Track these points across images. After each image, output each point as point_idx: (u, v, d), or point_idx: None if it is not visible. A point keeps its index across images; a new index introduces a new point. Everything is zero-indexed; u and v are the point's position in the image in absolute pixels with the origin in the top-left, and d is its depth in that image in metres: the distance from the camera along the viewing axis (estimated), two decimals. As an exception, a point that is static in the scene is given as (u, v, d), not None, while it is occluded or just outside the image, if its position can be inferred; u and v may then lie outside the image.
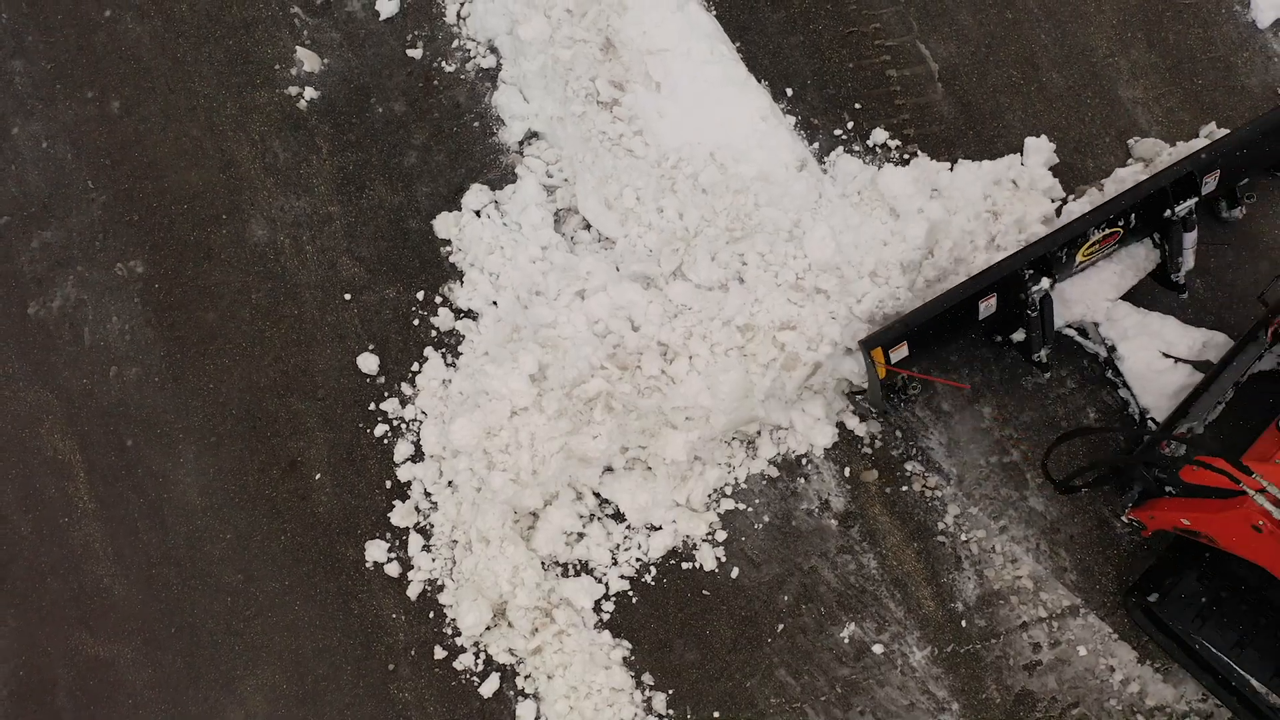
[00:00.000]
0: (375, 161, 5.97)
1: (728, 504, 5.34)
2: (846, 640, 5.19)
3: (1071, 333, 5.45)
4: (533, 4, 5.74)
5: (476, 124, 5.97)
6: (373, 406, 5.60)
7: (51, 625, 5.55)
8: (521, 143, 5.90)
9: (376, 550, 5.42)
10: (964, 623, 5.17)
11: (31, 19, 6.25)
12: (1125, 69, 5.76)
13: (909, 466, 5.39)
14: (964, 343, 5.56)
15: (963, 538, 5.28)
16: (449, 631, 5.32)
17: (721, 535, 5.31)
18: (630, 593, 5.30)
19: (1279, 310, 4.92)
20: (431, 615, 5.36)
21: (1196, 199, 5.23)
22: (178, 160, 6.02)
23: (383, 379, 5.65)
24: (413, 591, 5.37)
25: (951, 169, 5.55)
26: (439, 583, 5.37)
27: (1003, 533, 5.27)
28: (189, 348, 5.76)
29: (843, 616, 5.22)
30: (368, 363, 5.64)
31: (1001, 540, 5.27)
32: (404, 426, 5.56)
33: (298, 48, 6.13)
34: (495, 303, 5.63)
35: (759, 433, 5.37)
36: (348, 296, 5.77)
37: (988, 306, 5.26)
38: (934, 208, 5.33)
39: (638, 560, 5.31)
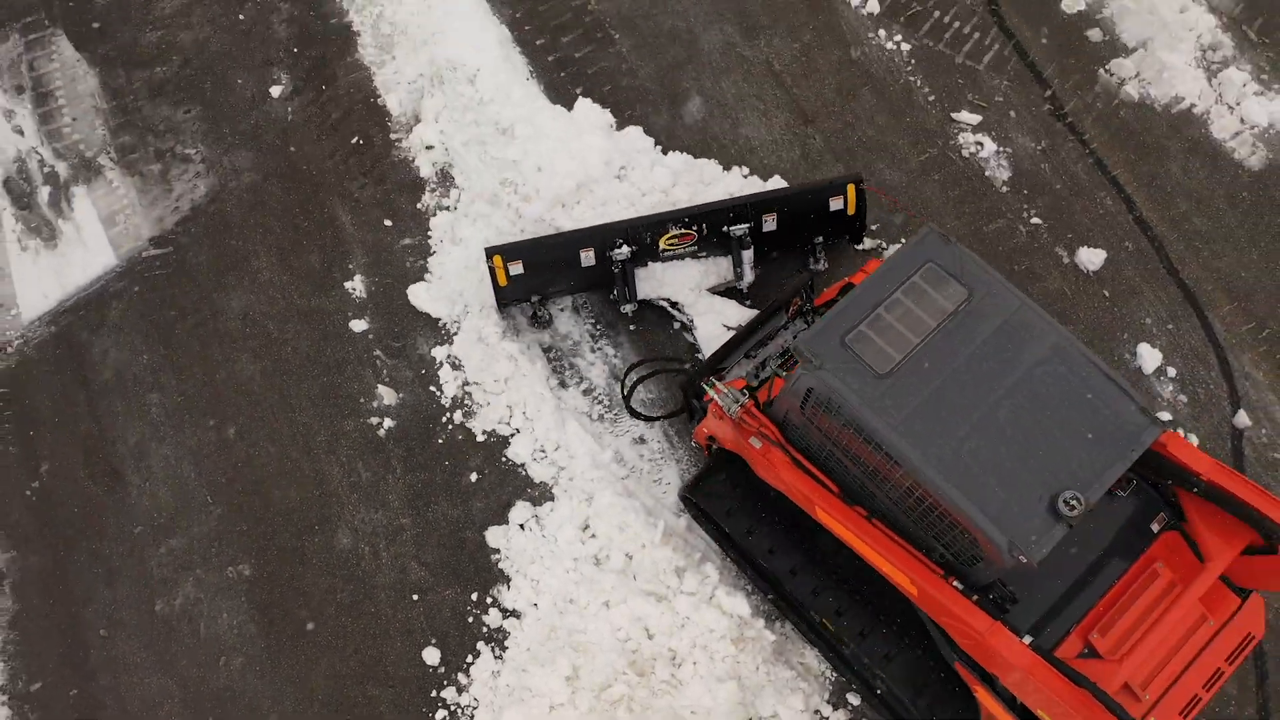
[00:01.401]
0: (439, 481, 7.33)
1: (727, 785, 6.45)
2: None
3: (665, 304, 7.64)
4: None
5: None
6: (435, 694, 6.80)
7: None
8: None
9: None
10: None
11: (167, 360, 7.78)
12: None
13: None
14: (576, 282, 7.55)
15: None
16: None
17: (721, 813, 6.40)
18: None
19: (795, 294, 6.58)
20: None
21: (749, 224, 7.38)
22: (280, 479, 7.41)
23: (443, 669, 6.85)
24: None
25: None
26: None
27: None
28: (284, 641, 7.01)
29: None
30: (431, 655, 6.86)
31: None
32: (460, 712, 6.73)
33: (379, 385, 7.59)
34: (536, 604, 6.89)
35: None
36: (415, 597, 7.04)
37: (588, 257, 7.34)
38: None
39: (652, 834, 6.39)
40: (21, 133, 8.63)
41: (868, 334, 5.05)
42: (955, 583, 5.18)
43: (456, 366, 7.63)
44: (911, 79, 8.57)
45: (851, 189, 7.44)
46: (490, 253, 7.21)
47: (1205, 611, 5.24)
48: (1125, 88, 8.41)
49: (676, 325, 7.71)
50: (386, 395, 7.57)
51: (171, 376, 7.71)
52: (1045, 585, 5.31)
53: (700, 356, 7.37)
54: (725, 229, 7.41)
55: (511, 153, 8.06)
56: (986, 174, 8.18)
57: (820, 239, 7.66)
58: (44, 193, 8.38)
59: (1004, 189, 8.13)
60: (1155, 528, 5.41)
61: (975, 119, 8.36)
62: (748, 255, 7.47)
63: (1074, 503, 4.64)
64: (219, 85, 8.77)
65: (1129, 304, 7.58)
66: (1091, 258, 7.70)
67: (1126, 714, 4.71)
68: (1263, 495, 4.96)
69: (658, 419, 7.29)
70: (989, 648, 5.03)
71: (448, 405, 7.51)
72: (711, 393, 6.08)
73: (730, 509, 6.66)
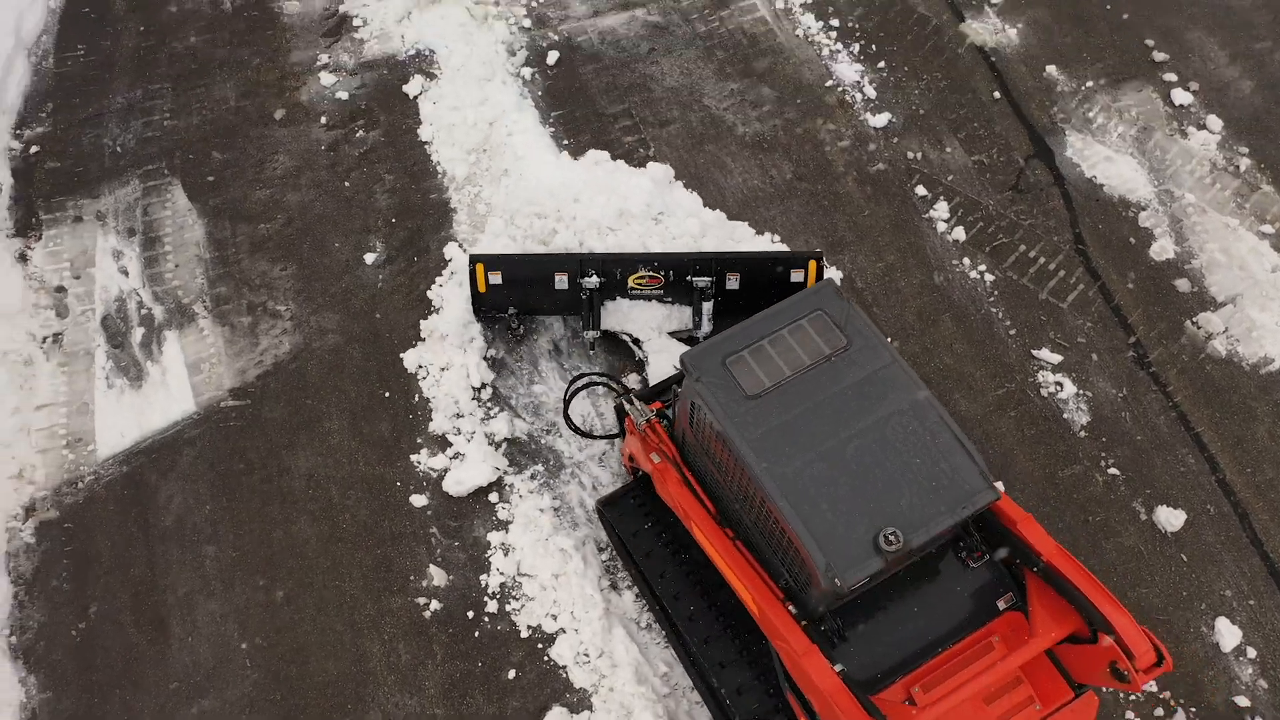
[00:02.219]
0: (478, 673, 7.18)
1: None
2: None
3: (626, 338, 8.25)
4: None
5: (566, 653, 7.23)
6: None
7: None
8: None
9: None
10: None
11: (228, 512, 7.84)
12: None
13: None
14: (549, 303, 8.17)
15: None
16: None
17: None
18: None
19: None
20: None
21: (712, 279, 7.94)
22: (320, 649, 7.32)
23: None
24: None
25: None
26: None
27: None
28: (301, 826, 6.80)
29: None
30: None
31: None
32: None
33: (430, 565, 7.55)
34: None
35: None
36: (439, 795, 6.82)
37: (561, 280, 8.01)
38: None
39: None
40: (126, 274, 8.99)
41: (747, 359, 5.58)
42: (791, 607, 5.55)
43: (508, 554, 7.56)
44: (993, 310, 8.59)
45: (813, 264, 7.98)
46: (473, 260, 8.01)
47: (1034, 694, 5.49)
48: (1212, 342, 8.33)
49: (636, 359, 8.30)
50: (437, 576, 7.51)
51: (230, 530, 7.74)
52: (884, 637, 5.60)
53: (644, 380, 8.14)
54: (690, 279, 8.00)
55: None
56: (1065, 416, 8.07)
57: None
58: (138, 334, 8.66)
59: (1082, 434, 8.00)
60: (1001, 605, 5.68)
61: (1056, 358, 8.31)
62: (707, 307, 8.03)
63: (893, 539, 4.98)
64: (316, 246, 9.09)
65: (1208, 572, 7.31)
66: (1170, 518, 7.48)
67: None
68: (1093, 584, 5.26)
69: (597, 438, 7.81)
70: (803, 670, 5.34)
71: (496, 594, 7.42)
72: (628, 408, 6.72)
73: (637, 530, 7.06)
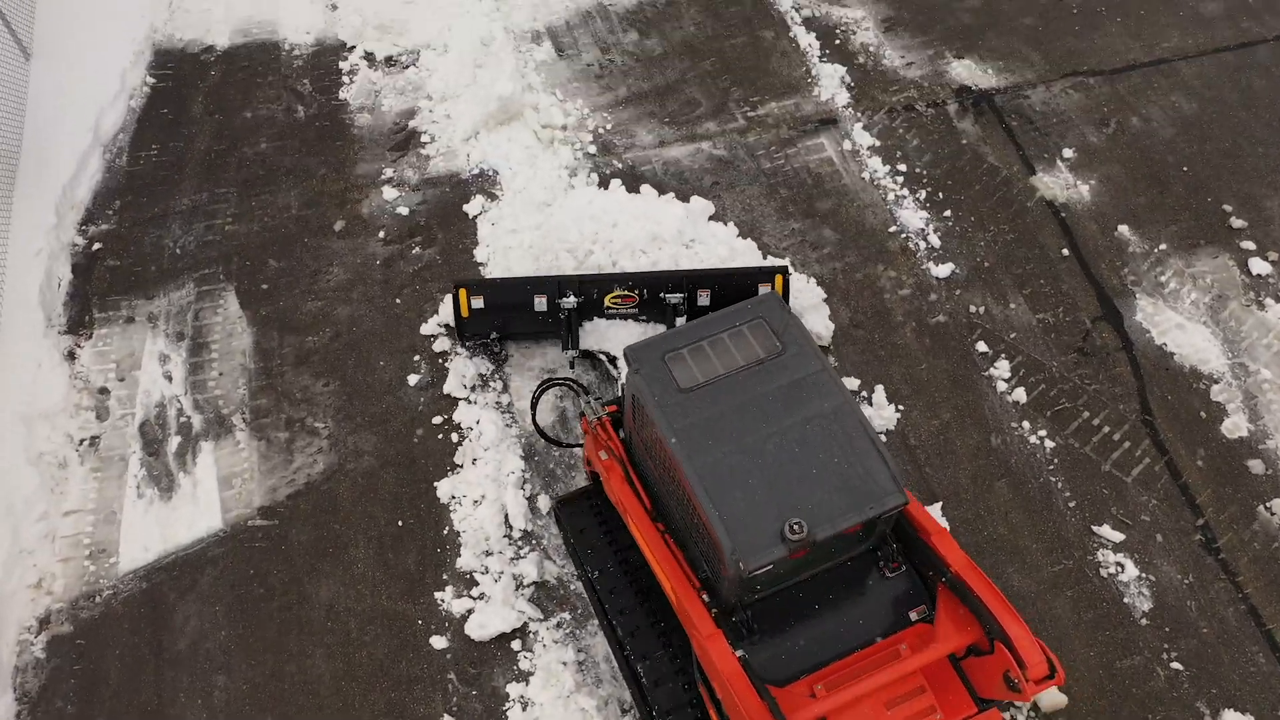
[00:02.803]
0: (484, 839, 6.78)
1: None
2: None
3: (602, 356, 8.57)
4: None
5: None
6: None
7: None
8: None
9: None
10: None
11: (243, 640, 7.60)
12: None
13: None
14: (530, 326, 8.57)
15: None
16: None
17: None
18: None
19: None
20: None
21: (684, 295, 8.33)
22: (322, 797, 6.98)
23: None
24: None
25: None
26: None
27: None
28: None
29: None
30: None
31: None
32: None
33: (445, 714, 7.21)
34: None
35: None
36: None
37: (540, 303, 8.40)
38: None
39: None
40: (170, 379, 8.96)
41: (685, 356, 5.92)
42: (705, 597, 5.82)
43: (526, 709, 7.20)
44: (1053, 479, 8.19)
45: (780, 278, 8.43)
46: (456, 286, 8.47)
47: (936, 705, 5.60)
48: (1288, 533, 7.84)
49: (611, 377, 8.56)
50: (451, 727, 7.17)
51: (242, 660, 7.50)
52: (795, 637, 5.80)
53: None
54: (663, 296, 8.38)
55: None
56: (1125, 600, 7.59)
57: None
58: (174, 442, 8.58)
59: (1143, 621, 7.50)
60: (913, 616, 5.86)
61: (1118, 536, 7.86)
62: (680, 323, 8.31)
63: (796, 529, 5.24)
64: (361, 363, 9.00)
65: (1278, 795, 6.71)
66: (1239, 728, 6.93)
67: None
68: (995, 595, 5.45)
69: (566, 445, 7.98)
70: (707, 654, 5.58)
71: (510, 752, 7.06)
72: (582, 405, 7.15)
73: (585, 527, 7.37)
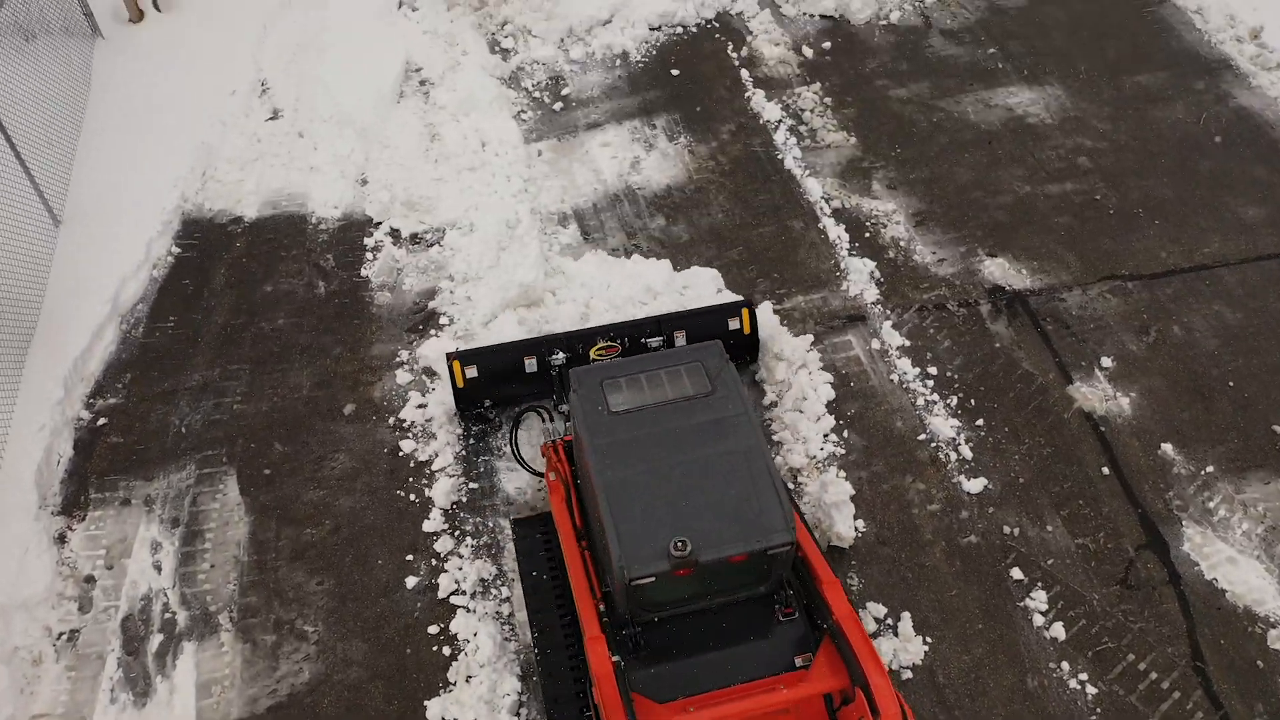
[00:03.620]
0: None
1: None
2: None
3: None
4: None
5: None
6: None
7: None
8: None
9: None
10: None
11: None
12: None
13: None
14: (522, 387, 9.00)
15: None
16: None
17: None
18: None
19: None
20: None
21: (663, 338, 8.98)
22: None
23: None
24: None
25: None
26: None
27: None
28: None
29: None
30: None
31: None
32: None
33: None
34: None
35: None
36: None
37: (531, 364, 8.86)
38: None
39: None
40: (159, 569, 8.57)
41: (621, 384, 6.59)
42: (602, 607, 6.37)
43: None
44: (1095, 731, 7.49)
45: (745, 312, 9.29)
46: (450, 357, 8.94)
47: None
48: (1360, 812, 7.04)
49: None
50: None
51: None
52: (680, 662, 6.26)
53: None
54: (644, 341, 8.93)
55: None
56: None
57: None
58: (155, 641, 8.13)
59: None
60: (799, 661, 6.26)
61: (1169, 805, 7.10)
62: None
63: (680, 546, 5.74)
64: (359, 561, 8.58)
65: None
66: None
67: None
68: (867, 647, 5.90)
69: (536, 472, 8.50)
70: (588, 656, 6.05)
71: None
72: (541, 426, 8.31)
73: (531, 550, 7.86)
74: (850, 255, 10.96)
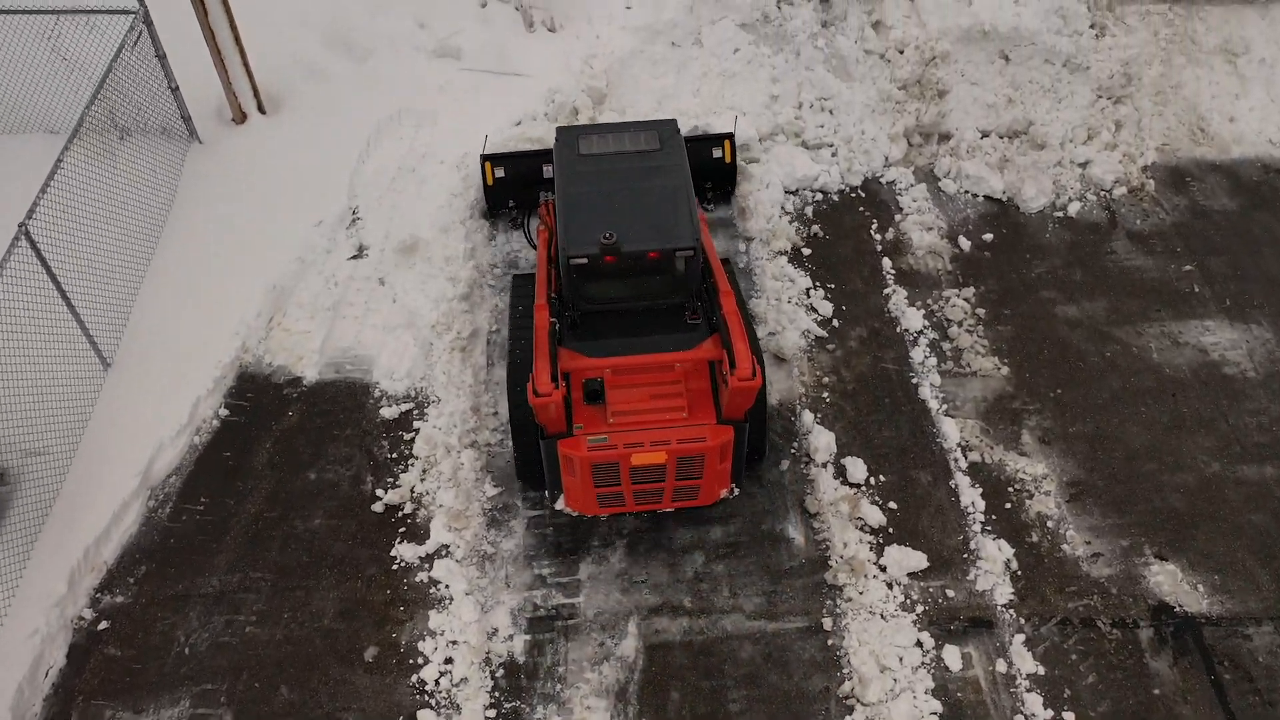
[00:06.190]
0: None
1: None
2: None
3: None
4: None
5: None
6: None
7: None
8: None
9: None
10: None
11: None
12: None
13: None
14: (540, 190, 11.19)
15: None
16: None
17: None
18: None
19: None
20: None
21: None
22: None
23: None
24: None
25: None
26: None
27: None
28: None
29: None
30: None
31: None
32: None
33: None
34: None
35: None
36: None
37: (549, 169, 10.60)
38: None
39: None
40: None
41: (592, 137, 9.12)
42: (553, 296, 8.62)
43: None
44: None
45: (727, 143, 11.27)
46: (483, 159, 11.09)
47: (685, 406, 8.10)
48: None
49: None
50: None
51: None
52: (608, 337, 8.43)
53: None
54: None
55: None
56: None
57: (710, 185, 11.50)
58: None
59: None
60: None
61: None
62: None
63: (608, 236, 8.00)
64: None
65: None
66: None
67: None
68: (739, 329, 7.81)
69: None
70: (534, 320, 8.36)
71: None
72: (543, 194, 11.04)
73: (525, 294, 9.61)
74: (984, 533, 9.10)
